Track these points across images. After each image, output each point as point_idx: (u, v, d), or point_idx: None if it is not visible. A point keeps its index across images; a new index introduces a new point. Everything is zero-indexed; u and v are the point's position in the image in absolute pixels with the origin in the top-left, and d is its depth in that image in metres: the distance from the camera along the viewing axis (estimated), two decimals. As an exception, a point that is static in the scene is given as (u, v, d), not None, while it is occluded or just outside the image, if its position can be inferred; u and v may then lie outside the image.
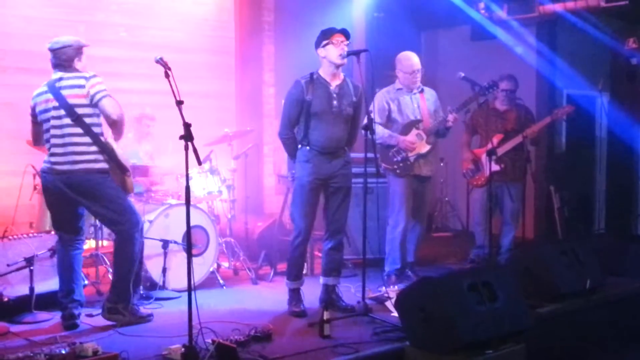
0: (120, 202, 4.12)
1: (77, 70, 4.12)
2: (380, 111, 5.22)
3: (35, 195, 4.88)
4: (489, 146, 5.63)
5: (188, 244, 3.61)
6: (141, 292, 4.75)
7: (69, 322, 4.08)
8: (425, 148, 5.26)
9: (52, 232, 4.46)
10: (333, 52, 4.40)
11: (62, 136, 4.03)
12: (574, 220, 7.63)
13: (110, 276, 4.43)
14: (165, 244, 4.88)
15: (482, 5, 7.35)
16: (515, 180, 5.91)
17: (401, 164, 5.24)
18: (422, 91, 5.35)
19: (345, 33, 4.43)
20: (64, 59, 4.09)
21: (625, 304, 4.93)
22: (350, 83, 4.56)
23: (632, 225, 7.73)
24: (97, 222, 4.93)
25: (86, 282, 4.74)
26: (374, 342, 3.80)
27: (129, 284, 4.17)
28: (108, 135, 4.16)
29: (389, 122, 5.29)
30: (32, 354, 3.23)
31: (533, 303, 4.27)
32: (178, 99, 3.51)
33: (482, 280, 3.68)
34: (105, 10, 6.38)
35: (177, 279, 4.92)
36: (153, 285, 4.93)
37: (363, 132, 4.43)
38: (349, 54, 4.41)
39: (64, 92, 4.02)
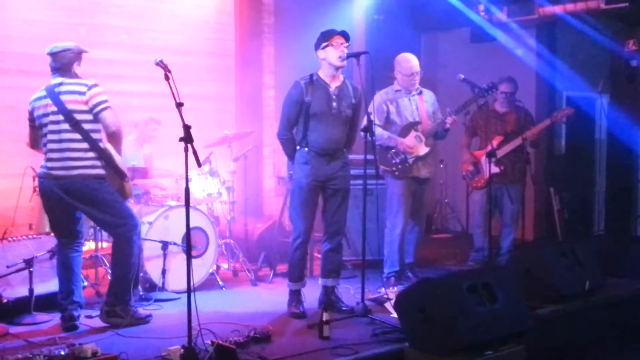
0: (117, 206, 4.13)
1: (77, 76, 4.12)
2: (379, 113, 5.21)
3: (35, 197, 4.87)
4: (489, 148, 5.63)
5: (188, 246, 3.61)
6: (140, 293, 4.76)
7: (69, 324, 4.08)
8: (424, 150, 5.26)
9: (52, 234, 4.46)
10: (332, 54, 4.40)
11: (60, 141, 4.04)
12: (574, 222, 7.63)
13: (109, 277, 4.44)
14: (165, 245, 4.89)
15: (481, 7, 7.36)
16: (515, 182, 5.91)
17: (400, 166, 5.24)
18: (420, 93, 5.35)
19: (345, 35, 4.44)
20: (64, 62, 4.09)
21: (625, 305, 4.93)
22: (349, 85, 4.57)
23: (632, 227, 7.73)
24: (96, 224, 4.94)
25: (86, 283, 4.75)
26: (374, 343, 3.80)
27: (127, 286, 4.17)
28: (106, 141, 4.16)
29: (387, 123, 5.29)
30: (31, 355, 3.23)
31: (533, 304, 4.27)
32: (178, 101, 3.52)
33: (482, 282, 3.68)
34: (105, 13, 6.38)
35: (176, 280, 4.92)
36: (152, 287, 4.93)
37: (362, 134, 4.44)
38: (349, 56, 4.41)
39: (63, 98, 4.02)
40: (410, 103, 5.31)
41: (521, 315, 3.77)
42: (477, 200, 6.08)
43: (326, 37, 4.42)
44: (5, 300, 4.27)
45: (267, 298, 4.98)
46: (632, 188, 7.78)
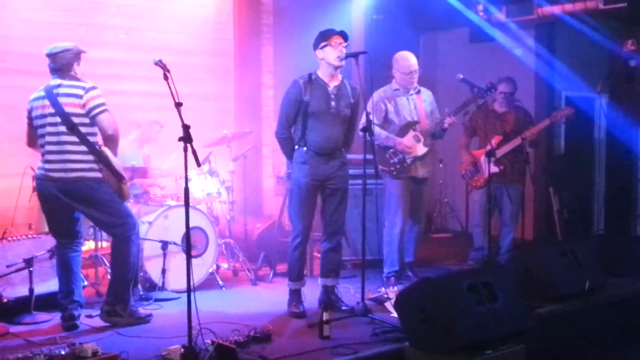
0: (115, 206, 4.13)
1: (75, 77, 4.12)
2: (377, 112, 5.19)
3: (34, 196, 4.87)
4: (488, 148, 5.64)
5: (187, 245, 3.61)
6: (140, 293, 4.76)
7: (69, 323, 4.09)
8: (422, 150, 5.25)
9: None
10: (331, 53, 4.40)
11: (58, 143, 4.04)
12: (573, 222, 7.63)
13: (109, 277, 4.44)
14: (165, 245, 4.89)
15: (480, 7, 7.36)
16: (514, 181, 5.92)
17: (398, 166, 5.24)
18: (418, 92, 5.34)
19: (343, 35, 4.43)
20: (63, 63, 4.09)
21: (625, 305, 4.93)
22: (348, 85, 4.57)
23: (632, 226, 7.73)
24: (95, 224, 4.94)
25: (85, 283, 4.75)
26: (374, 342, 3.80)
27: (127, 285, 4.18)
28: (103, 144, 4.16)
29: (385, 122, 5.28)
30: (31, 355, 3.23)
31: (533, 304, 4.27)
32: (177, 100, 3.52)
33: (482, 281, 3.68)
34: (105, 12, 6.38)
35: (176, 280, 4.92)
36: (152, 286, 4.93)
37: (361, 133, 4.44)
38: (348, 56, 4.41)
39: (61, 100, 4.02)
40: (408, 102, 5.30)
41: (521, 314, 3.77)
42: (477, 199, 6.09)
43: (325, 36, 4.42)
44: (5, 300, 4.27)
45: (267, 298, 4.98)
46: (632, 188, 7.78)
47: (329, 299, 4.55)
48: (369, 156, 4.36)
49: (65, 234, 4.21)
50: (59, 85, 4.06)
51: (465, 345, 3.46)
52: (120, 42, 6.44)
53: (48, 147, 4.07)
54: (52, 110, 4.03)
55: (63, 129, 4.02)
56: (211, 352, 3.38)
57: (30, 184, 4.85)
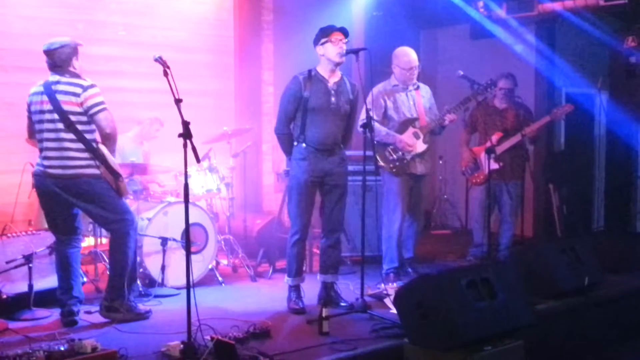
0: (113, 202, 4.13)
1: (74, 74, 4.09)
2: (377, 108, 5.17)
3: (34, 193, 4.88)
4: (488, 144, 5.63)
5: (187, 242, 3.61)
6: (140, 289, 4.76)
7: (68, 319, 4.09)
8: (422, 147, 5.24)
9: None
10: (331, 50, 4.39)
11: (56, 140, 4.04)
12: (573, 218, 7.63)
13: (108, 273, 4.45)
14: (164, 241, 4.89)
15: (481, 3, 7.34)
16: (514, 178, 5.91)
17: (397, 163, 5.23)
18: (417, 88, 5.33)
19: (344, 31, 4.43)
20: (62, 59, 4.07)
21: (624, 301, 4.93)
22: (347, 81, 4.56)
23: (631, 223, 7.74)
24: (94, 220, 4.94)
25: (85, 279, 4.75)
26: (373, 339, 3.80)
27: (125, 281, 4.18)
28: (101, 141, 4.15)
29: (384, 118, 5.26)
30: (31, 351, 3.23)
31: (532, 300, 4.27)
32: (177, 97, 3.52)
33: (481, 277, 3.68)
34: (104, 9, 6.38)
35: (176, 276, 4.92)
36: (152, 283, 4.94)
37: (361, 130, 4.43)
38: (348, 52, 4.41)
39: (59, 97, 4.01)
40: (407, 98, 5.29)
41: (520, 311, 3.77)
42: (476, 196, 6.09)
43: (325, 33, 4.41)
44: (4, 296, 4.27)
45: (266, 294, 4.99)
46: (632, 184, 7.78)
47: (328, 295, 4.56)
48: (369, 153, 4.36)
49: (64, 230, 4.21)
50: (57, 82, 4.05)
51: (465, 342, 3.45)
52: (120, 38, 6.44)
53: (46, 144, 4.07)
54: (50, 107, 4.03)
55: (61, 126, 4.02)
56: (210, 348, 3.38)
57: (29, 181, 4.85)
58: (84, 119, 4.03)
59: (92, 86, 4.05)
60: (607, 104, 7.86)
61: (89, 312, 4.27)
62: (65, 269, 4.19)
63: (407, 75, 5.23)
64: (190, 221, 3.62)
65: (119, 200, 4.18)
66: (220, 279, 5.27)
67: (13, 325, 4.08)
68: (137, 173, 5.29)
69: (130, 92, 6.24)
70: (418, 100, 5.30)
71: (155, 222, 4.98)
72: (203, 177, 5.55)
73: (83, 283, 4.52)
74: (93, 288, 4.86)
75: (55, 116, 4.02)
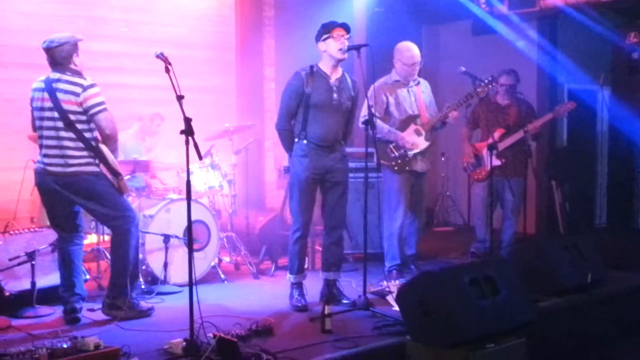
0: (113, 199, 4.13)
1: (75, 71, 4.06)
2: (379, 103, 5.15)
3: (36, 190, 4.88)
4: (490, 140, 5.62)
5: (189, 239, 3.61)
6: (142, 286, 4.76)
7: (71, 316, 4.09)
8: (424, 145, 5.22)
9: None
10: (333, 45, 4.38)
11: (56, 138, 4.03)
12: (576, 215, 7.62)
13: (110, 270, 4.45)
14: (167, 238, 4.89)
15: (483, -1, 7.34)
16: (516, 175, 5.90)
17: (399, 161, 5.21)
18: (418, 83, 5.31)
19: (346, 27, 4.41)
20: (62, 56, 4.04)
21: (627, 298, 4.93)
22: (348, 77, 4.55)
23: (634, 219, 7.72)
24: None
25: (87, 276, 4.75)
26: (375, 336, 3.80)
27: (127, 279, 4.18)
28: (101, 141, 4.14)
29: (386, 115, 5.24)
30: (33, 348, 3.22)
31: (535, 297, 4.26)
32: (179, 93, 3.51)
33: (484, 275, 3.67)
34: (105, 5, 6.37)
35: (178, 273, 4.92)
36: (155, 280, 4.93)
37: (363, 126, 4.42)
38: (350, 48, 4.39)
39: (59, 96, 3.99)
40: (409, 94, 5.27)
41: (523, 308, 3.76)
42: (479, 193, 6.07)
43: (327, 28, 4.40)
44: (7, 293, 4.27)
45: (269, 291, 4.99)
46: (634, 180, 7.77)
47: (330, 293, 4.55)
48: (371, 149, 4.34)
49: (65, 228, 4.21)
50: (58, 80, 4.03)
51: (467, 339, 3.45)
52: (121, 35, 6.44)
53: (46, 142, 4.06)
54: (50, 104, 4.01)
55: (60, 124, 4.01)
56: (213, 345, 3.38)
57: (32, 178, 4.85)
58: (84, 117, 4.02)
59: (92, 86, 4.02)
60: (609, 100, 7.85)
61: (91, 310, 4.27)
62: (67, 267, 4.19)
63: (408, 71, 5.21)
64: (193, 218, 3.61)
65: (120, 197, 4.17)
66: (222, 276, 5.27)
67: (16, 322, 4.09)
68: (139, 170, 5.28)
69: (131, 88, 6.24)
70: (419, 96, 5.28)
71: (158, 219, 4.98)
72: (205, 174, 5.54)
73: (85, 280, 4.52)
74: (96, 285, 4.87)
75: (55, 114, 4.00)
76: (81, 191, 4.06)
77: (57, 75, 4.04)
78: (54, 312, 4.26)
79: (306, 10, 6.97)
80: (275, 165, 7.24)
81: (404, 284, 3.99)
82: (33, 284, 4.28)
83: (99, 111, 4.00)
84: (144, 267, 4.91)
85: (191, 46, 6.76)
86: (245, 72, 7.26)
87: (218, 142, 5.83)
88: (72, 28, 5.74)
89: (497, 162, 5.64)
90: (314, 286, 4.65)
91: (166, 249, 4.88)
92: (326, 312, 3.88)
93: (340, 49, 4.37)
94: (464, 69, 5.19)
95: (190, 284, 3.44)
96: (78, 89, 3.99)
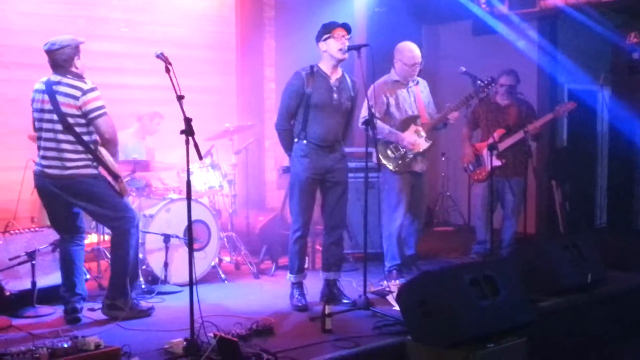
0: (113, 200, 4.12)
1: (76, 74, 4.05)
2: (379, 103, 5.14)
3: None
4: (490, 140, 5.62)
5: (189, 239, 3.61)
6: (142, 286, 4.77)
7: (72, 316, 4.09)
8: (424, 145, 5.21)
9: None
10: (334, 45, 4.38)
11: (54, 141, 4.03)
12: (576, 215, 7.62)
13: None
14: (167, 238, 4.89)
15: (483, -1, 7.34)
16: (516, 175, 5.91)
17: (399, 161, 5.21)
18: (417, 83, 5.31)
19: (346, 27, 4.42)
20: (64, 59, 4.03)
21: (627, 298, 4.93)
22: (347, 78, 4.56)
23: (634, 220, 7.73)
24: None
25: (88, 276, 4.75)
26: (375, 336, 3.80)
27: (127, 279, 4.18)
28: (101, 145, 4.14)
29: (386, 115, 5.24)
30: (34, 348, 3.23)
31: (535, 297, 4.27)
32: (179, 93, 3.51)
33: (484, 275, 3.68)
34: (106, 5, 6.38)
35: (178, 273, 4.92)
36: (155, 280, 4.93)
37: (364, 127, 4.43)
38: (350, 48, 4.39)
39: (59, 99, 3.99)
40: (409, 95, 5.27)
41: (523, 308, 3.77)
42: (479, 193, 6.08)
43: (328, 28, 4.40)
44: (8, 293, 4.28)
45: (269, 291, 4.99)
46: (634, 180, 7.78)
47: (331, 293, 4.55)
48: (371, 149, 4.34)
49: (66, 229, 4.21)
50: (58, 82, 4.01)
51: (467, 339, 3.45)
52: (122, 35, 6.44)
53: (44, 144, 4.06)
54: (50, 106, 4.01)
55: (59, 127, 4.00)
56: (213, 345, 3.38)
57: (32, 177, 4.86)
58: (83, 121, 4.01)
59: (92, 90, 4.01)
60: (609, 100, 7.85)
61: (92, 310, 4.27)
62: (68, 267, 4.19)
63: (408, 71, 5.20)
64: (193, 218, 3.61)
65: (119, 198, 4.17)
66: (223, 276, 5.27)
67: (16, 322, 4.09)
68: (139, 170, 5.28)
69: (131, 88, 6.25)
70: (418, 96, 5.28)
71: (158, 219, 4.98)
72: (205, 174, 5.54)
73: (86, 280, 4.52)
74: (96, 285, 4.87)
75: (55, 117, 4.00)
76: (80, 193, 4.07)
77: (57, 78, 4.03)
78: (55, 312, 4.27)
79: (306, 10, 6.97)
80: (276, 165, 7.24)
81: (404, 283, 4.00)
82: (33, 283, 4.29)
83: (99, 115, 4.00)
84: (144, 267, 4.92)
85: (191, 46, 6.76)
86: (245, 72, 7.26)
87: (218, 142, 5.84)
88: (73, 28, 5.78)
89: (497, 162, 5.64)
90: (314, 286, 4.65)
91: (166, 248, 4.89)
92: (326, 311, 3.88)
93: (341, 49, 4.38)
94: (464, 69, 5.19)
95: (191, 283, 3.45)
96: (77, 93, 3.98)
